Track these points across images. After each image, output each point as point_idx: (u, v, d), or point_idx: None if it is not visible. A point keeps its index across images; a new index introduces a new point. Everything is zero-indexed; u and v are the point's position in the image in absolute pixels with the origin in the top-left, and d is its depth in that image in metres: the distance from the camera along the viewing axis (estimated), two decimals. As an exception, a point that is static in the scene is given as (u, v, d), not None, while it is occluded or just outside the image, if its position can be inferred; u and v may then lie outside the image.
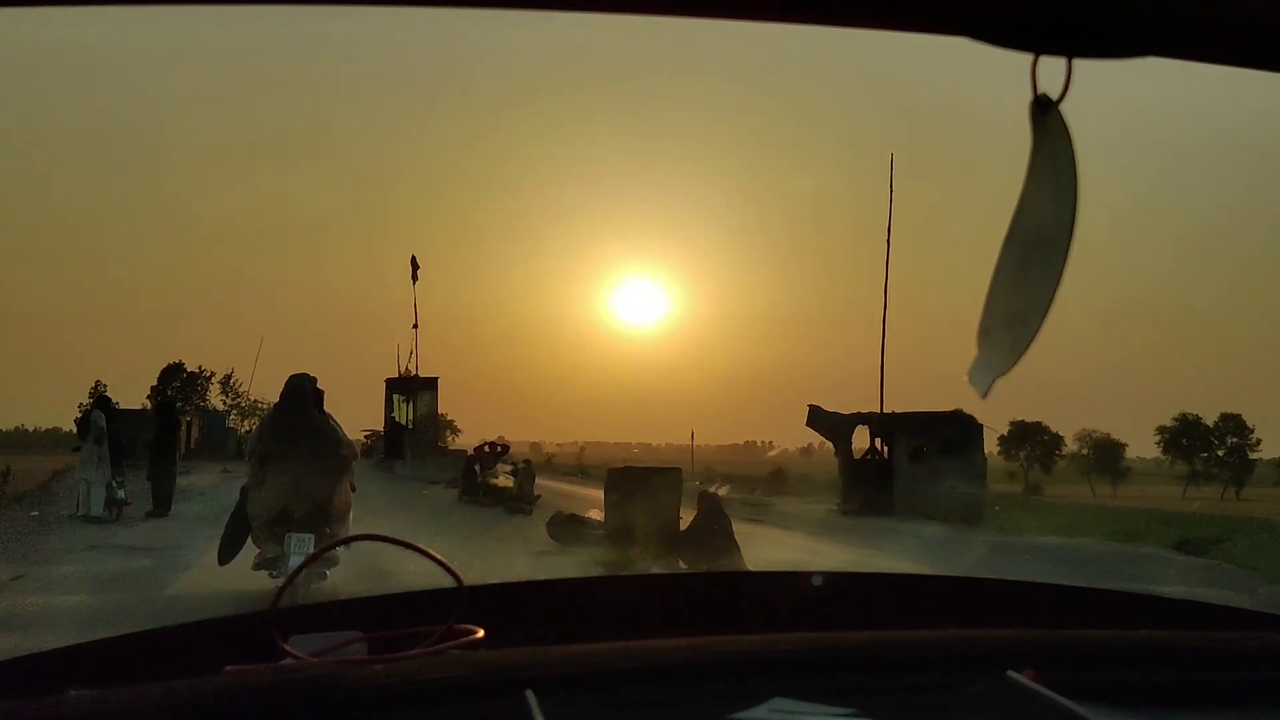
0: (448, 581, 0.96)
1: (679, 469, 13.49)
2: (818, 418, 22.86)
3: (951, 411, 20.73)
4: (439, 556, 0.98)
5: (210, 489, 20.10)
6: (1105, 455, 69.87)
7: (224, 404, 62.08)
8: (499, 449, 21.90)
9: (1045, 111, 0.56)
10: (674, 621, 0.98)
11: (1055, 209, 0.56)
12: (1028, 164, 0.58)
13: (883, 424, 22.31)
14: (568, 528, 12.96)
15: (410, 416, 34.32)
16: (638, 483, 12.68)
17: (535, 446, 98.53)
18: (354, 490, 8.09)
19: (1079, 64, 0.55)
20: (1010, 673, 0.77)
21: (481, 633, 0.91)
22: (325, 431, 7.86)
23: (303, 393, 7.98)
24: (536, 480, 19.89)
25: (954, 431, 20.64)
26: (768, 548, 12.75)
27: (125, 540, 12.33)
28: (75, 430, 15.90)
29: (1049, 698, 0.73)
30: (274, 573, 7.34)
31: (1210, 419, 67.81)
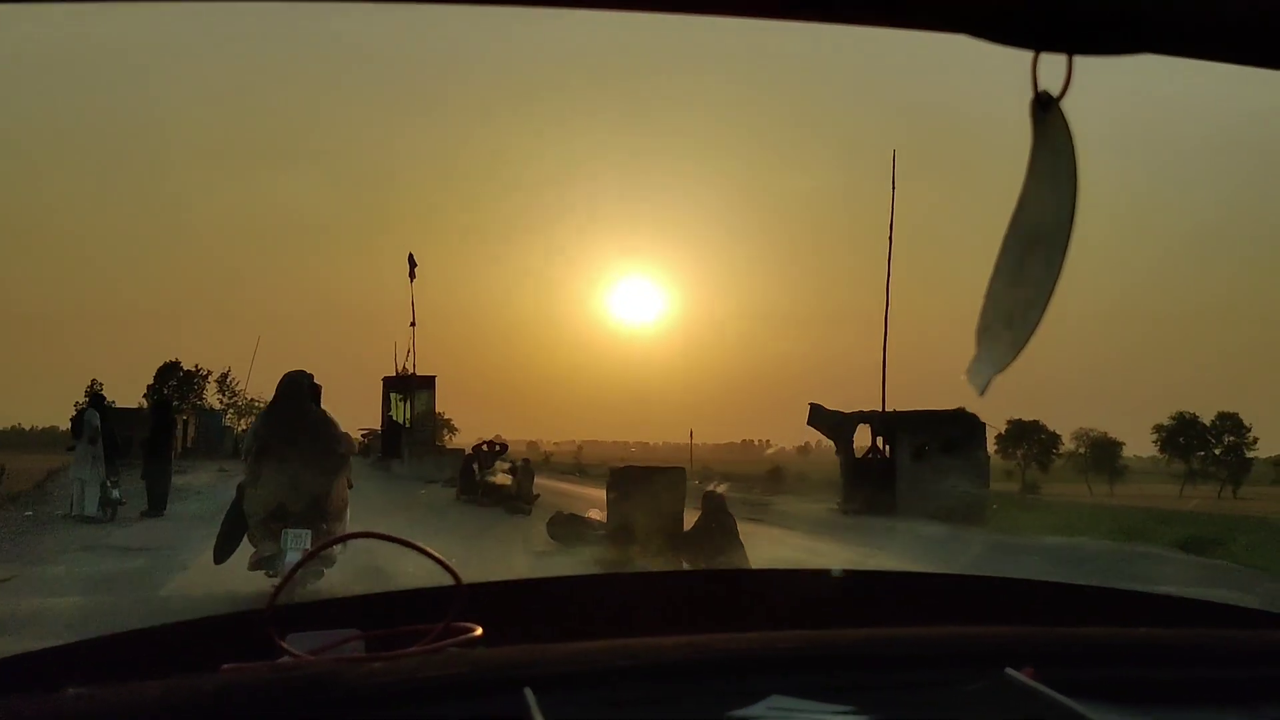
0: (446, 580, 0.96)
1: (682, 468, 13.26)
2: (819, 416, 22.69)
3: (954, 410, 20.57)
4: (436, 554, 0.98)
5: (206, 488, 20.01)
6: (1102, 454, 69.94)
7: (220, 403, 62.19)
8: (497, 448, 21.73)
9: (1046, 109, 0.56)
10: (672, 619, 0.98)
11: (1055, 206, 0.56)
12: (1028, 161, 0.57)
13: (885, 423, 22.16)
14: (568, 528, 12.84)
15: (408, 415, 34.27)
16: (641, 482, 12.47)
17: (532, 445, 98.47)
18: (351, 487, 8.03)
19: (1079, 61, 0.55)
20: (1009, 670, 0.77)
21: (479, 630, 0.91)
22: (322, 426, 7.79)
23: (299, 387, 7.91)
24: (535, 479, 19.84)
25: (956, 430, 20.48)
26: (770, 548, 12.60)
27: (119, 540, 12.24)
28: (70, 429, 15.79)
29: (1047, 695, 0.72)
30: (270, 572, 7.29)
31: (1207, 418, 67.92)
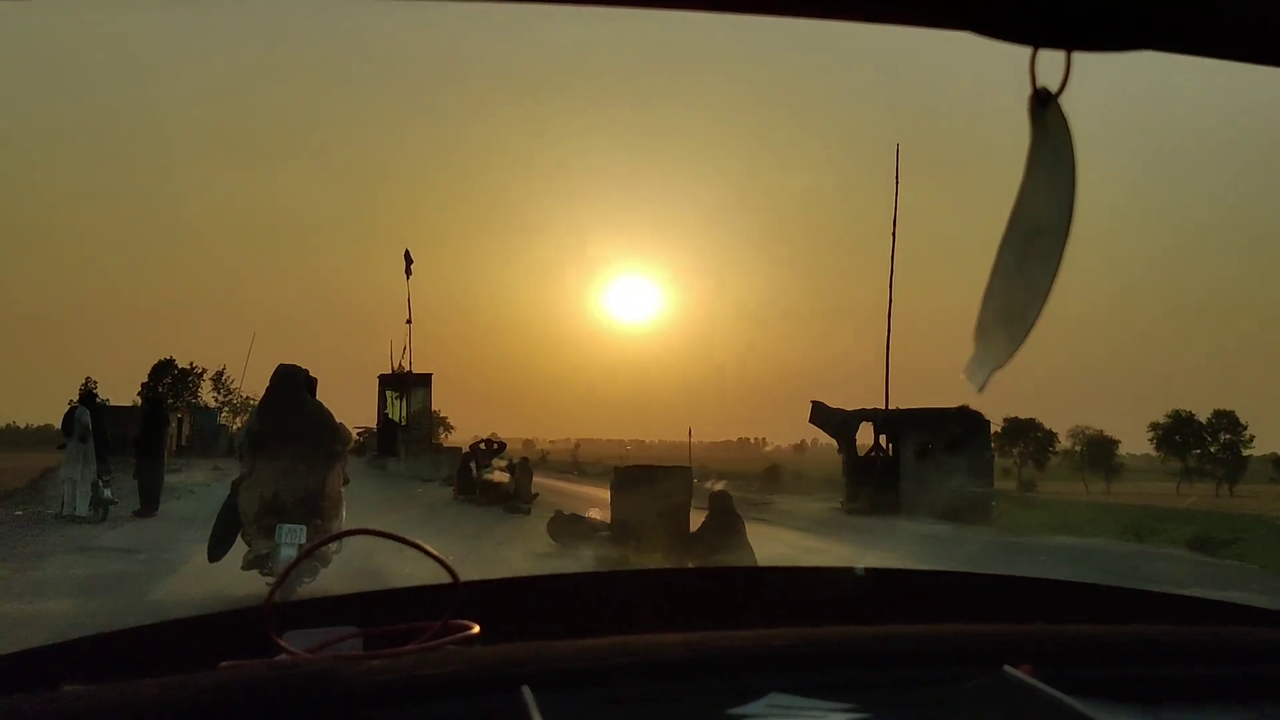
0: (443, 578, 0.96)
1: (688, 468, 12.96)
2: (821, 414, 22.40)
3: (958, 408, 20.32)
4: (434, 551, 0.98)
5: (201, 487, 19.83)
6: (1098, 452, 70.05)
7: (215, 401, 62.09)
8: (495, 446, 21.64)
9: (1044, 105, 0.56)
10: (671, 617, 0.98)
11: (1054, 202, 0.56)
12: (1027, 158, 0.57)
13: (888, 420, 21.89)
14: (570, 528, 12.59)
15: (404, 413, 34.15)
16: (646, 482, 12.21)
17: (528, 443, 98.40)
18: (347, 483, 7.91)
19: (1078, 57, 0.55)
20: (1007, 668, 0.77)
21: (477, 628, 0.91)
22: (319, 417, 7.69)
23: (294, 379, 7.79)
24: (533, 478, 19.73)
25: (960, 428, 20.26)
26: (775, 548, 12.35)
27: (110, 541, 12.05)
28: (61, 428, 15.54)
29: (1046, 693, 0.73)
30: (265, 571, 7.19)
31: (1203, 415, 68.07)
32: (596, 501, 13.85)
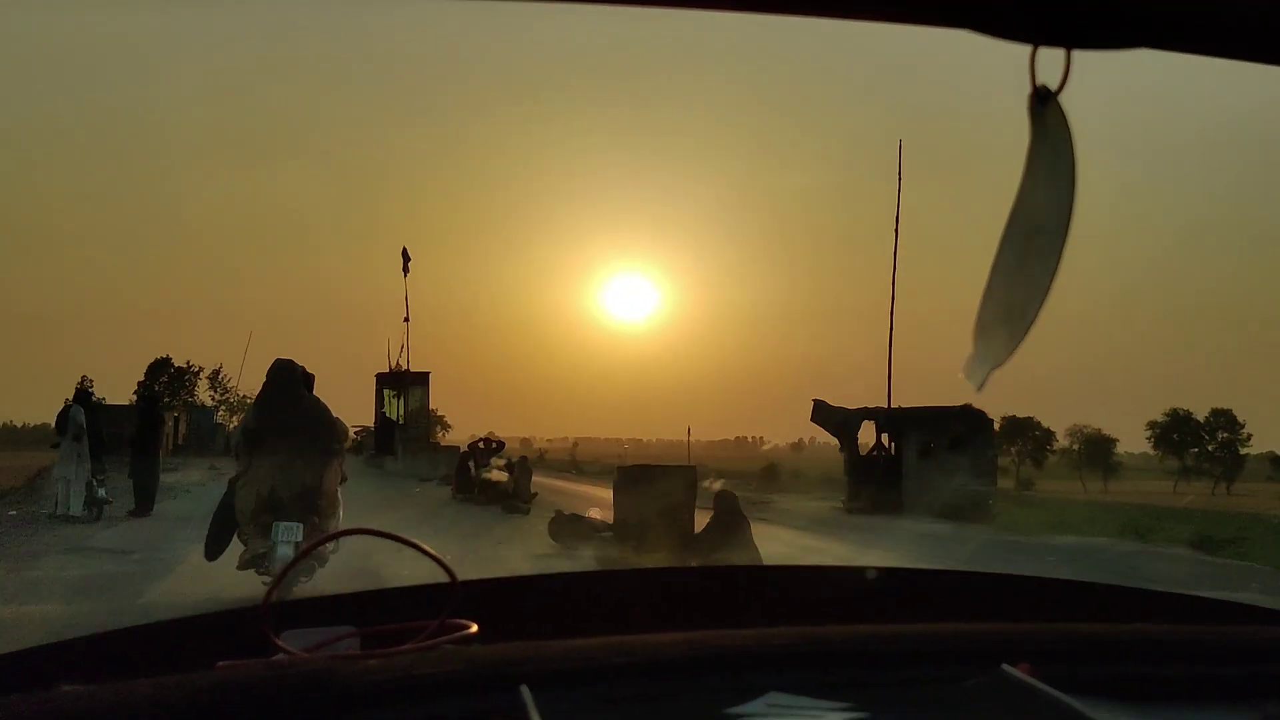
0: (441, 578, 0.96)
1: (693, 467, 12.66)
2: (822, 413, 22.15)
3: (961, 406, 20.12)
4: (431, 550, 0.97)
5: (197, 486, 19.65)
6: (1096, 450, 70.16)
7: (212, 399, 62.05)
8: (493, 445, 21.51)
9: (1044, 103, 0.56)
10: (669, 616, 0.98)
11: (1054, 201, 0.56)
12: (1026, 156, 0.57)
13: (890, 419, 21.64)
14: (571, 528, 12.40)
15: (401, 412, 33.94)
16: (650, 482, 11.94)
17: (525, 442, 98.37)
18: (344, 480, 7.81)
19: (1078, 56, 0.55)
20: (1005, 667, 0.77)
21: (475, 628, 0.90)
22: (315, 413, 7.58)
23: (291, 373, 7.68)
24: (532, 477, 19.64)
25: (964, 427, 20.10)
26: (780, 549, 12.09)
27: (104, 542, 11.84)
28: (55, 426, 15.26)
29: (1044, 692, 0.72)
30: (262, 570, 7.10)
31: (1201, 414, 68.17)
32: (596, 500, 13.74)
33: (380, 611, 1.11)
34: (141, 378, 59.36)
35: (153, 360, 62.90)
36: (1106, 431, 72.19)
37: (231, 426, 43.79)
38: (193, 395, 62.10)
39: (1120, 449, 74.67)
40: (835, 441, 22.75)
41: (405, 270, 35.95)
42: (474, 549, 11.89)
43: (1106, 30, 0.55)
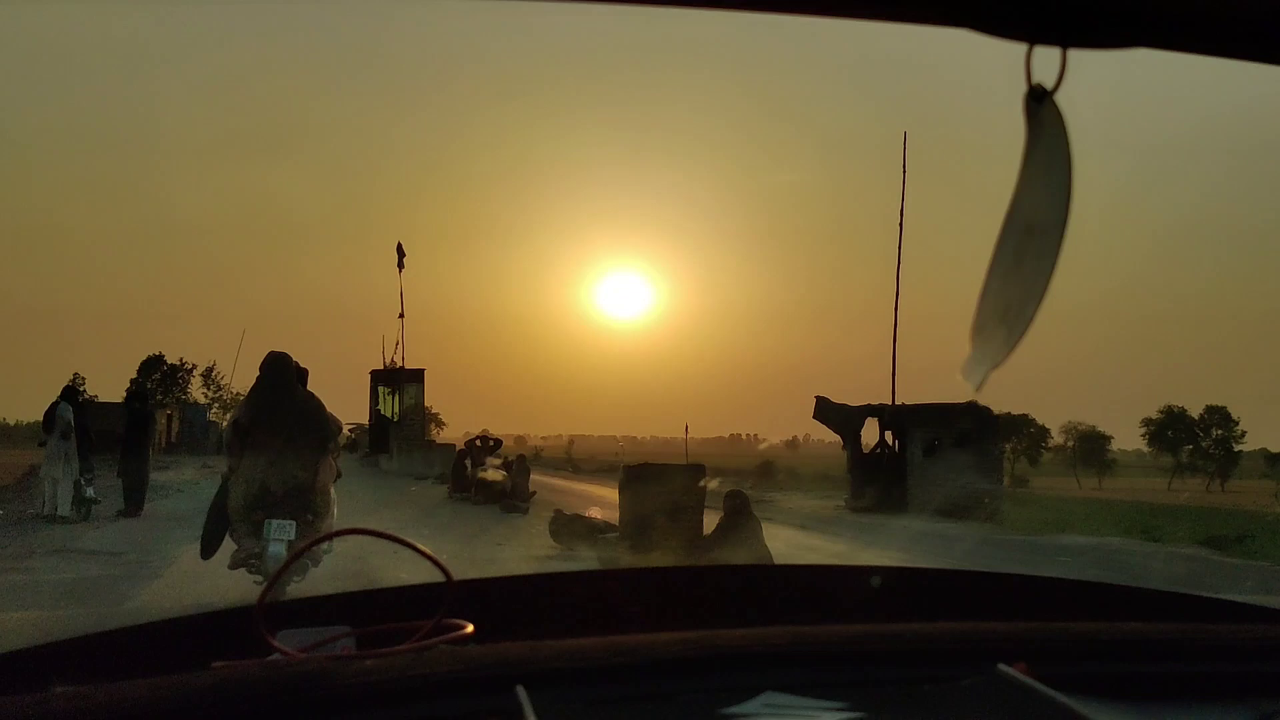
0: (437, 579, 0.95)
1: (701, 466, 12.32)
2: (825, 410, 21.80)
3: (966, 403, 19.46)
4: (426, 550, 0.97)
5: (188, 485, 19.43)
6: (1091, 447, 70.31)
7: (205, 397, 61.83)
8: (490, 443, 21.20)
9: (1040, 102, 0.56)
10: (665, 616, 0.98)
11: (1050, 199, 0.56)
12: (1023, 154, 0.57)
13: (894, 416, 21.34)
14: (572, 528, 12.20)
15: (396, 409, 33.63)
16: (656, 480, 11.52)
17: (520, 440, 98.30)
18: (339, 476, 7.76)
19: (1074, 54, 0.55)
20: (1001, 666, 0.77)
21: (471, 628, 0.90)
22: (308, 407, 7.45)
23: (285, 367, 7.54)
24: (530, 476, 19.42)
25: (969, 424, 19.79)
26: (787, 550, 11.74)
27: (91, 543, 11.57)
28: (42, 424, 14.79)
29: (1041, 691, 0.72)
30: (254, 568, 7.00)
31: (1195, 411, 68.34)
32: (595, 499, 13.57)
33: (375, 611, 1.11)
34: (135, 375, 59.19)
35: (146, 357, 62.72)
36: (1101, 429, 72.42)
37: (224, 424, 43.64)
38: (186, 393, 61.88)
39: (1114, 446, 74.90)
40: (831, 439, 22.40)
41: (400, 265, 35.65)
42: (472, 549, 11.69)
43: (1102, 29, 0.55)
